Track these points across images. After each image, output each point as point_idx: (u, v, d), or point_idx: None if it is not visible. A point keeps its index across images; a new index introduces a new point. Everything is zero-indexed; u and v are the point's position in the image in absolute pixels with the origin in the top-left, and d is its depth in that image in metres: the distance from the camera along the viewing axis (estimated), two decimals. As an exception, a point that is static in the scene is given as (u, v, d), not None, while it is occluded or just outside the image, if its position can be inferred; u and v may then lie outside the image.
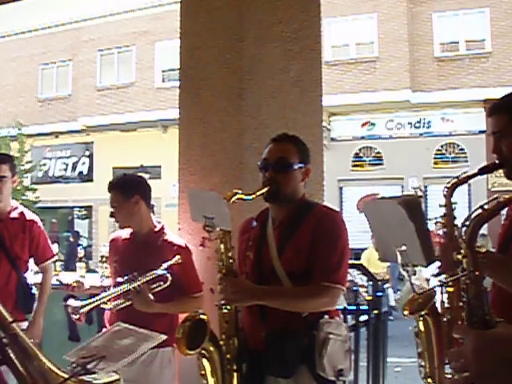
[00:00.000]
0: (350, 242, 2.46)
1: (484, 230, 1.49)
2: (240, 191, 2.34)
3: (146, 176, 12.36)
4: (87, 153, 18.56)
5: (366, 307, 4.53)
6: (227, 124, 3.38)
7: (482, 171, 1.94)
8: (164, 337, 2.44)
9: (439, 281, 1.89)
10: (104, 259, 4.33)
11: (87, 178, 18.35)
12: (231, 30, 3.42)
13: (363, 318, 4.42)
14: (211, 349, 2.26)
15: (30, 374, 1.38)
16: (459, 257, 1.35)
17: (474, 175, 1.95)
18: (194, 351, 2.20)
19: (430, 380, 1.89)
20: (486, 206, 1.51)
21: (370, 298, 4.68)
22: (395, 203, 1.58)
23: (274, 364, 2.31)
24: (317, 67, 3.65)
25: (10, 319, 1.42)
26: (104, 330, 2.84)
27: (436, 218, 2.02)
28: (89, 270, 6.46)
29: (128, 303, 2.88)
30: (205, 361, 2.27)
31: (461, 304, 1.36)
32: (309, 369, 2.31)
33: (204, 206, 2.39)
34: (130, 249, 3.11)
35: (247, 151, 3.31)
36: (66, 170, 18.92)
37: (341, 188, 16.20)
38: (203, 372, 2.28)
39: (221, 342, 2.31)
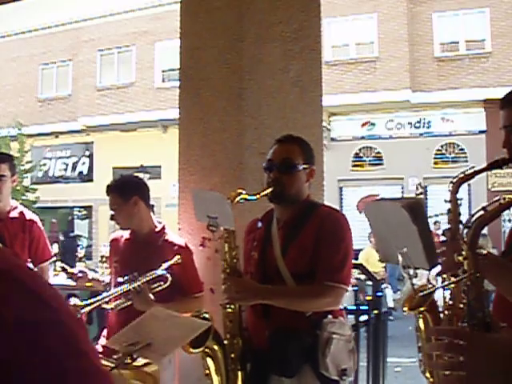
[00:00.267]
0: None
1: (484, 230, 1.48)
2: (244, 191, 2.35)
3: (146, 176, 12.44)
4: (87, 153, 18.56)
5: (366, 307, 4.53)
6: (227, 124, 3.38)
7: (492, 166, 1.88)
8: (209, 323, 2.40)
9: (442, 278, 1.88)
10: (104, 259, 4.33)
11: (87, 178, 18.36)
12: (231, 29, 3.42)
13: (363, 317, 4.42)
14: (215, 347, 2.26)
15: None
16: (460, 258, 1.35)
17: (484, 170, 1.90)
18: (198, 350, 2.19)
19: (428, 375, 1.89)
20: (487, 208, 1.50)
21: (369, 297, 4.68)
22: (399, 206, 1.57)
23: (277, 363, 2.32)
24: (317, 67, 3.64)
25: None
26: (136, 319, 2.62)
27: (435, 216, 2.01)
28: (89, 270, 6.45)
29: (128, 303, 2.89)
30: (209, 359, 2.27)
31: (461, 306, 1.35)
32: (312, 368, 2.31)
33: (208, 206, 2.40)
34: (130, 249, 3.11)
35: (247, 151, 3.31)
36: (65, 169, 18.93)
37: (341, 188, 16.19)
38: (207, 371, 2.28)
39: (225, 342, 2.31)
